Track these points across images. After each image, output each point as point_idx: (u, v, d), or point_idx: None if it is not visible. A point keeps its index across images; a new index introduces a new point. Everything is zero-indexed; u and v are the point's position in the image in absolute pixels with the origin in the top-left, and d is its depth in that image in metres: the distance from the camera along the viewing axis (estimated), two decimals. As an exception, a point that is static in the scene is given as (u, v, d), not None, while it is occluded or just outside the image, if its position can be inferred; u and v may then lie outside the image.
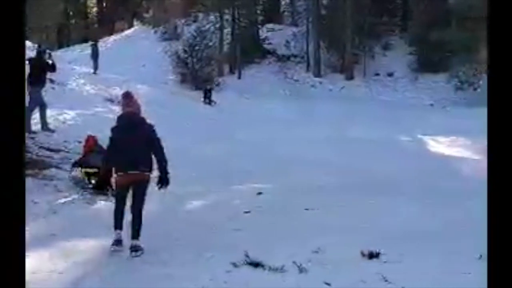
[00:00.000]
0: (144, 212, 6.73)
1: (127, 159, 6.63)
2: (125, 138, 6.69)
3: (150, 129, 6.81)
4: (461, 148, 17.10)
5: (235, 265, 6.00)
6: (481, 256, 5.86)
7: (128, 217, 6.77)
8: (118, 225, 6.64)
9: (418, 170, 12.77)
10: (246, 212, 8.86)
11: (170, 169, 6.81)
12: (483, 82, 27.06)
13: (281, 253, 6.34)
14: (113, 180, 7.59)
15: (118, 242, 6.57)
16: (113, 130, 6.90)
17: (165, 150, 6.84)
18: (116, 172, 6.93)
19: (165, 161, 6.76)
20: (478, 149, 16.25)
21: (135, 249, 6.48)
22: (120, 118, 6.98)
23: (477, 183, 11.37)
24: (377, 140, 17.21)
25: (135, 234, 6.57)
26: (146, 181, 6.76)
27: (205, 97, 26.77)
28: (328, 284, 5.48)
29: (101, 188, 9.41)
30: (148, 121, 6.94)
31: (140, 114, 6.92)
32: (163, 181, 6.75)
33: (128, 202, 6.80)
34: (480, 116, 22.31)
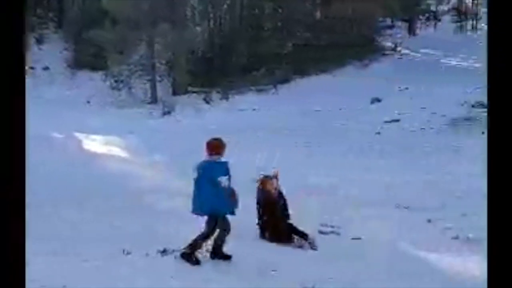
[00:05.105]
0: None
1: None
2: None
3: None
4: (114, 146, 17.81)
5: None
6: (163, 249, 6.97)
7: None
8: None
9: (66, 171, 12.96)
10: None
11: None
12: (136, 85, 28.65)
13: None
14: None
15: None
16: None
17: None
18: None
19: None
20: (126, 148, 17.31)
21: None
22: None
23: (118, 180, 12.02)
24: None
25: None
26: None
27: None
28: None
29: None
30: None
31: None
32: None
33: None
34: (131, 117, 23.63)
